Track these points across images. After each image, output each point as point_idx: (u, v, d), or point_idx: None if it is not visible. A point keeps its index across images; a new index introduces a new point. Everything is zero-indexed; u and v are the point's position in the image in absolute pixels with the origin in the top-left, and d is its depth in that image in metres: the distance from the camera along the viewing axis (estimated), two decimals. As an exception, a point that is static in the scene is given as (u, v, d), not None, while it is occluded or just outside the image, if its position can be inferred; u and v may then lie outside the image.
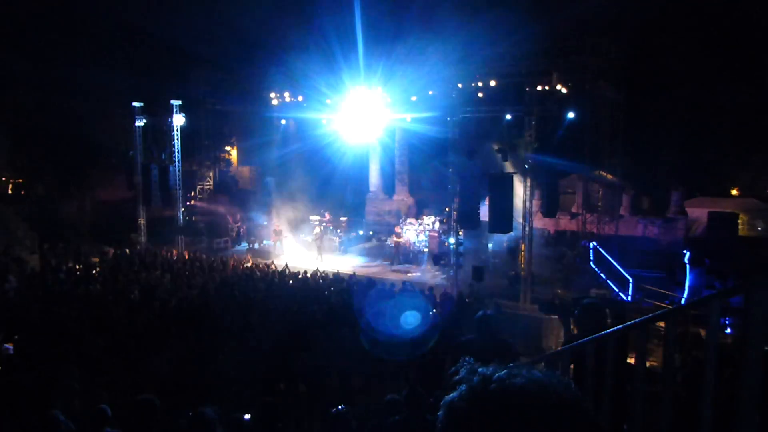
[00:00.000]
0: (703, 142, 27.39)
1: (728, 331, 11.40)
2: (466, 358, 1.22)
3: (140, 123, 24.10)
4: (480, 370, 1.09)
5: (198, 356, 8.58)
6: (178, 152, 23.74)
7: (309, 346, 9.39)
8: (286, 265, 19.16)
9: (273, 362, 8.66)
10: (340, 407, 5.09)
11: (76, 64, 26.43)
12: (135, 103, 24.08)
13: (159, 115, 24.05)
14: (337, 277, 17.77)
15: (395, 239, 22.72)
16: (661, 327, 2.90)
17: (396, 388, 6.03)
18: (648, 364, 5.10)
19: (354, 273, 19.25)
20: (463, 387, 1.07)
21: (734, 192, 31.66)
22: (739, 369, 1.89)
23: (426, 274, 21.12)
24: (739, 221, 22.72)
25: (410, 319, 9.42)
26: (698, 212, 23.21)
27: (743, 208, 24.64)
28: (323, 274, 18.04)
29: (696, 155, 27.39)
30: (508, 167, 17.79)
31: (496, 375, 1.05)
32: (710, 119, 27.39)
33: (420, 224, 23.67)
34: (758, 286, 1.87)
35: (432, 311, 12.56)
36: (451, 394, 1.09)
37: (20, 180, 32.82)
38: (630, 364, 3.67)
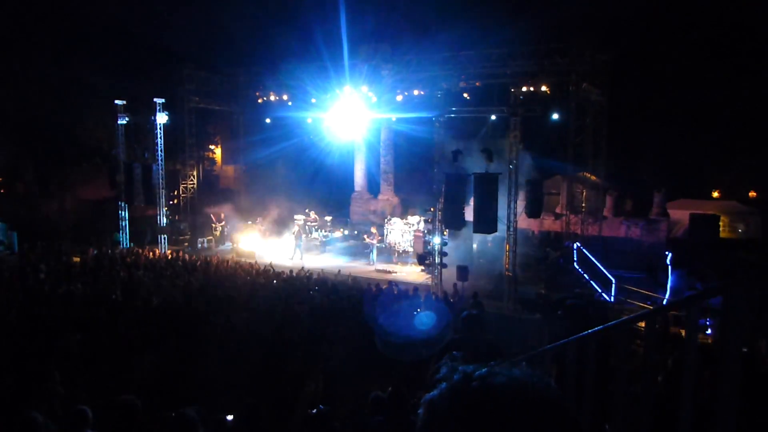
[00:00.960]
0: (685, 144, 27.75)
1: (709, 332, 11.55)
2: (449, 356, 1.23)
3: (123, 121, 23.86)
4: (461, 368, 1.09)
5: (180, 357, 8.52)
6: (161, 151, 23.55)
7: (293, 345, 9.38)
8: (270, 264, 19.13)
9: (256, 362, 8.63)
10: (321, 407, 5.08)
11: (58, 62, 26.16)
12: (117, 101, 23.84)
13: (142, 113, 23.82)
14: (322, 277, 17.76)
15: (368, 239, 22.74)
16: (643, 327, 2.93)
17: (382, 388, 6.04)
18: (632, 365, 5.15)
19: (339, 272, 19.27)
20: (444, 385, 1.08)
21: (716, 194, 32.09)
22: (718, 369, 1.92)
23: (410, 273, 21.17)
24: (721, 223, 23.02)
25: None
26: (680, 214, 23.47)
27: (724, 210, 24.97)
28: (308, 274, 18.01)
29: (678, 158, 27.74)
30: (493, 168, 17.87)
31: (477, 373, 1.06)
32: (693, 122, 27.77)
33: (405, 224, 23.72)
34: (737, 287, 1.90)
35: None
36: (432, 393, 1.09)
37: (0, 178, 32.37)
38: (612, 364, 3.71)
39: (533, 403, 1.01)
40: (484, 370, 1.06)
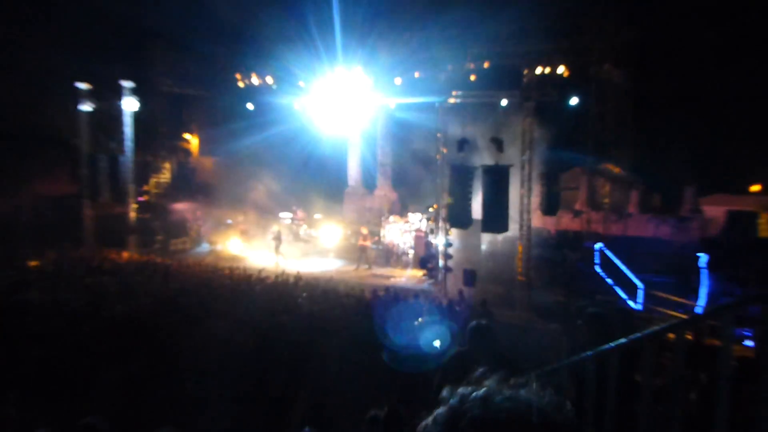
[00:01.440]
0: (721, 132, 27.69)
1: (748, 343, 11.54)
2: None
3: (86, 107, 23.81)
4: (459, 390, 1.07)
5: (151, 373, 8.51)
6: (129, 141, 23.50)
7: (278, 360, 9.37)
8: (262, 269, 19.12)
9: (237, 380, 8.61)
10: (307, 430, 5.09)
11: (9, 39, 25.98)
12: (79, 84, 23.77)
13: (107, 98, 23.76)
14: (311, 283, 17.74)
15: (361, 242, 22.68)
16: (673, 339, 2.92)
17: (378, 407, 6.05)
18: (660, 381, 5.14)
19: (332, 278, 19.25)
20: (440, 409, 1.06)
21: (755, 188, 32.04)
22: (758, 385, 1.91)
23: (411, 278, 21.16)
24: (761, 221, 23.02)
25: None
26: (715, 211, 23.48)
27: (765, 206, 24.93)
28: (295, 279, 18.00)
29: (713, 147, 27.69)
30: (504, 159, 17.85)
31: (474, 395, 1.04)
32: (730, 108, 27.70)
33: (404, 223, 23.71)
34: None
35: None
36: (427, 418, 1.08)
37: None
38: (637, 380, 3.70)
39: (537, 426, 0.99)
40: (482, 390, 1.04)
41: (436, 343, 9.34)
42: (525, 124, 18.39)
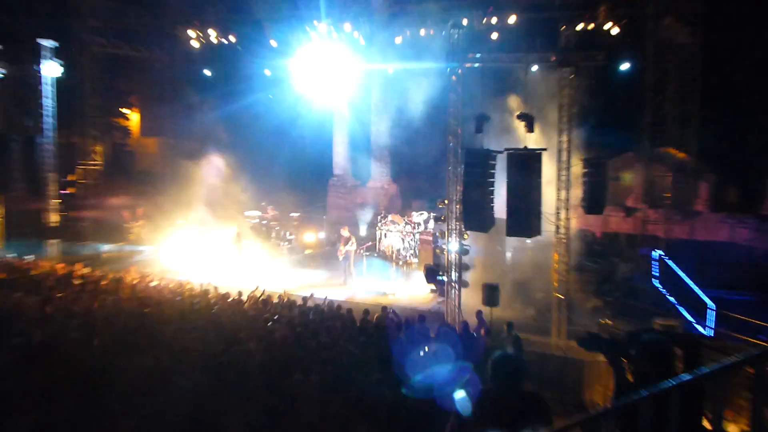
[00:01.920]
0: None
1: None
2: None
3: (-7, 73, 23.79)
4: None
5: (76, 416, 8.49)
6: (50, 117, 23.44)
7: (244, 399, 9.35)
8: (211, 284, 19.12)
9: (187, 426, 8.60)
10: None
11: None
12: (-16, 44, 23.75)
13: (21, 61, 23.69)
14: (286, 301, 17.74)
15: (342, 246, 22.41)
16: (752, 374, 2.91)
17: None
18: (736, 429, 5.13)
19: (312, 295, 19.23)
20: None
21: None
22: None
23: (415, 296, 21.13)
24: None
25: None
26: (807, 208, 23.56)
27: None
28: (264, 296, 18.00)
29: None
30: (535, 141, 17.85)
31: None
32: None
33: (407, 223, 23.67)
34: None
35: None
36: None
37: None
38: (705, 427, 3.69)
39: None
40: None
41: (449, 385, 9.39)
42: (562, 97, 18.35)
